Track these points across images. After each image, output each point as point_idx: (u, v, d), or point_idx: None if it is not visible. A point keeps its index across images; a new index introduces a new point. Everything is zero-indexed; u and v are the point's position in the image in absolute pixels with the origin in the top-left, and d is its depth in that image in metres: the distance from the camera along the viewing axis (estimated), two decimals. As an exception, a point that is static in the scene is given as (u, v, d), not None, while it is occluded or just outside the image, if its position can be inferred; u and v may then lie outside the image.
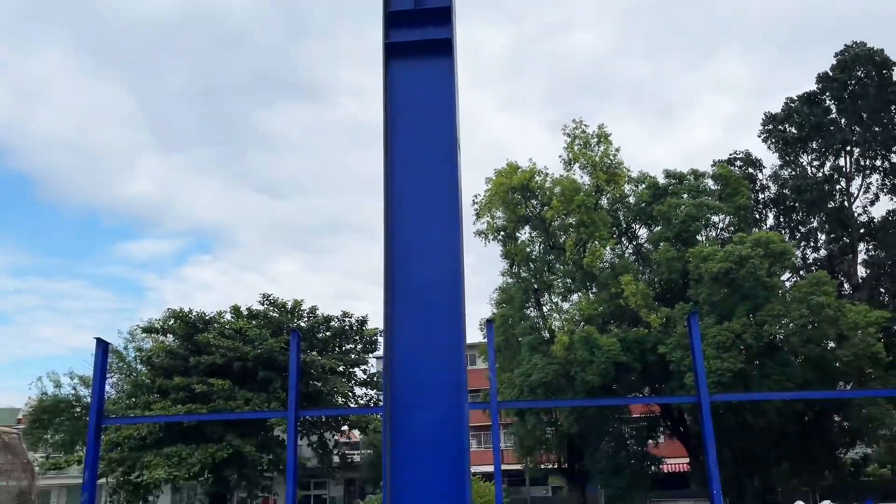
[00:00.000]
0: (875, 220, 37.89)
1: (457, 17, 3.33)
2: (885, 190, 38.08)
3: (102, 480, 34.59)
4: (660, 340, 30.69)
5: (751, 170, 39.76)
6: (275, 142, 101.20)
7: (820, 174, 38.22)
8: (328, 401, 37.68)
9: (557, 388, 32.43)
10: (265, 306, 40.45)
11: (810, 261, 38.51)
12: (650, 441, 37.96)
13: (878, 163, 37.94)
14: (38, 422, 48.73)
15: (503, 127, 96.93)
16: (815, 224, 38.66)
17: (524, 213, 37.08)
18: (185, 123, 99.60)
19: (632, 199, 37.42)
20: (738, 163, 39.61)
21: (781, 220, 39.58)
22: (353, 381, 41.11)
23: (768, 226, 38.57)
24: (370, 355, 42.22)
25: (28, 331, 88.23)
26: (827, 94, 38.07)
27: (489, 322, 20.23)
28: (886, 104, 36.48)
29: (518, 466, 44.69)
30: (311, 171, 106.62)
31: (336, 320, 40.93)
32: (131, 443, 34.53)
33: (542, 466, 42.05)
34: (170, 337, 39.28)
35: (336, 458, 42.90)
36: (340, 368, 39.51)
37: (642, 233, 38.48)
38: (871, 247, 38.14)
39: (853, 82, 37.25)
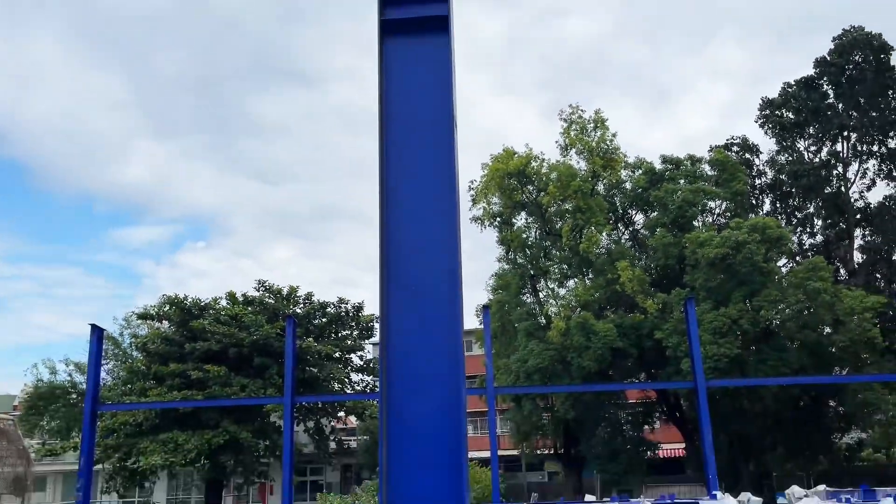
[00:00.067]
0: (871, 206, 37.89)
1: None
2: (881, 175, 38.07)
3: (99, 467, 34.61)
4: (656, 326, 30.72)
5: (748, 155, 39.69)
6: (269, 128, 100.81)
7: (817, 159, 38.16)
8: (324, 387, 37.70)
9: (554, 374, 32.48)
10: (261, 293, 40.40)
11: (806, 246, 38.54)
12: (646, 426, 38.08)
13: (875, 148, 37.89)
14: (33, 408, 48.75)
15: (498, 112, 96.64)
16: (811, 210, 38.66)
17: (520, 198, 36.98)
18: (179, 110, 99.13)
19: (628, 185, 37.33)
20: (734, 148, 39.53)
21: (778, 205, 39.56)
22: (349, 368, 41.13)
23: (765, 211, 38.55)
24: (366, 341, 42.22)
25: (23, 318, 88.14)
26: (825, 78, 37.95)
27: (485, 308, 20.23)
28: (884, 89, 36.38)
29: (514, 452, 44.85)
30: (305, 158, 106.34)
31: (332, 307, 40.90)
32: (127, 429, 34.54)
33: (539, 452, 42.21)
34: (165, 323, 39.22)
35: (333, 444, 42.99)
36: (337, 355, 39.51)
37: (639, 218, 38.44)
38: (867, 232, 38.16)
39: (851, 67, 37.11)
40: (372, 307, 41.56)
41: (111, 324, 48.92)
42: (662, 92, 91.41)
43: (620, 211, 37.92)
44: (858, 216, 38.00)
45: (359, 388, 41.12)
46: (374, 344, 44.11)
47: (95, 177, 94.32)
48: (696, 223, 34.34)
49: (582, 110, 36.40)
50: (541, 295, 38.24)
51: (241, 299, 39.66)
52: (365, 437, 49.67)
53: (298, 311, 39.73)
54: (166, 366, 35.27)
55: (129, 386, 37.96)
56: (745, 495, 14.08)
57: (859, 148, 37.93)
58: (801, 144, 39.14)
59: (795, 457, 33.44)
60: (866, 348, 28.96)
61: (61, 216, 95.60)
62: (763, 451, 32.34)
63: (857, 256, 37.71)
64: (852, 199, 37.87)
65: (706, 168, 36.60)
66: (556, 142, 37.59)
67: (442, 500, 1.89)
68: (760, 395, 29.75)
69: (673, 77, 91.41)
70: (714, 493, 13.55)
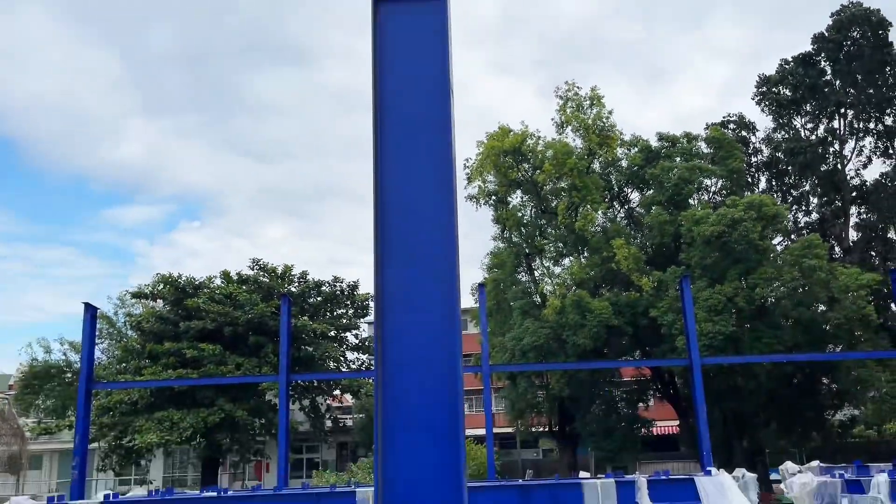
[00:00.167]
0: (867, 184, 37.84)
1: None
2: (877, 153, 37.99)
3: (94, 445, 34.62)
4: (651, 304, 30.72)
5: (744, 133, 39.53)
6: (263, 106, 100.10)
7: (813, 137, 38.03)
8: (320, 365, 37.73)
9: (549, 352, 32.52)
10: (255, 271, 40.27)
11: (802, 224, 38.52)
12: (640, 404, 38.26)
13: (872, 125, 37.76)
14: (28, 388, 48.70)
15: (493, 90, 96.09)
16: (807, 187, 38.60)
17: (516, 176, 36.79)
18: (173, 88, 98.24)
19: (624, 163, 37.15)
20: (731, 126, 39.35)
21: (774, 183, 39.49)
22: (344, 346, 41.16)
23: (760, 189, 38.48)
24: (362, 320, 42.21)
25: (17, 298, 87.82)
26: (822, 55, 37.71)
27: (481, 286, 20.18)
28: (881, 65, 36.18)
29: (509, 429, 45.07)
30: (299, 136, 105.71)
31: (327, 285, 40.82)
32: (123, 408, 34.55)
33: (534, 429, 42.42)
34: (159, 302, 39.11)
35: (328, 423, 43.12)
36: (332, 333, 39.50)
37: (634, 196, 38.31)
38: (862, 210, 38.15)
39: (849, 43, 36.87)
40: (367, 286, 41.54)
41: (105, 303, 48.79)
42: (658, 70, 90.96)
43: (616, 189, 37.78)
44: (854, 194, 37.96)
45: (354, 366, 41.18)
46: (369, 323, 44.09)
47: (88, 155, 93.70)
48: (691, 201, 34.23)
49: (578, 87, 36.16)
50: (536, 273, 38.21)
51: (235, 278, 39.53)
52: (361, 416, 49.85)
53: (293, 289, 39.64)
54: (161, 344, 35.21)
55: (124, 365, 37.91)
56: (739, 471, 14.09)
57: (856, 125, 37.80)
58: (797, 122, 39.00)
59: (788, 434, 33.64)
60: (861, 326, 29.03)
61: (54, 195, 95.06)
62: (756, 428, 32.52)
63: (853, 234, 37.74)
64: (848, 177, 37.82)
65: (702, 146, 36.43)
66: (552, 119, 37.37)
67: (439, 478, 1.84)
68: (754, 372, 29.85)
69: (668, 55, 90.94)
70: (709, 469, 13.57)
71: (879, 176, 37.43)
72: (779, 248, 33.25)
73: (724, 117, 39.78)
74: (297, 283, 40.61)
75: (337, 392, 43.37)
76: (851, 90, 36.96)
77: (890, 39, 36.21)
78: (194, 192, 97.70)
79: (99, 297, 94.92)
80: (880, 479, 11.71)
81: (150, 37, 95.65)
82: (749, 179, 38.56)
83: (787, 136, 38.58)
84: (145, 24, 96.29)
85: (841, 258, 35.06)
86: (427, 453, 1.90)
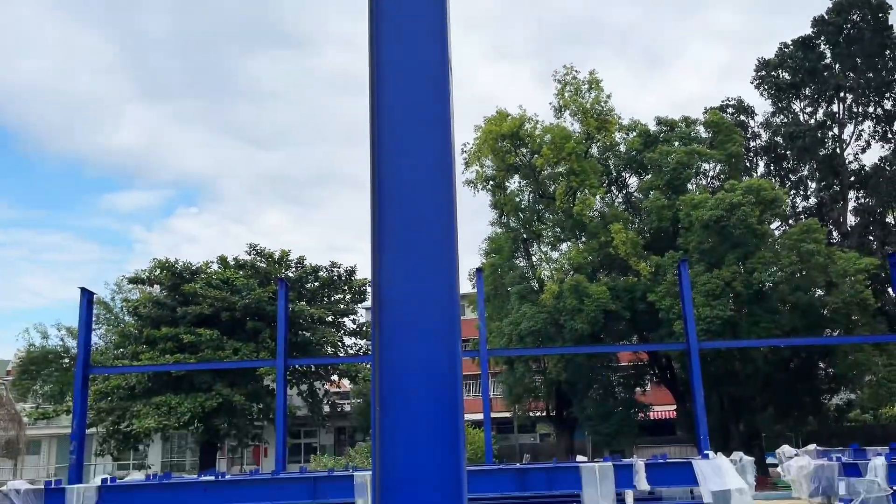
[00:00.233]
0: (866, 168, 37.77)
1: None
2: (876, 137, 37.90)
3: (93, 430, 34.71)
4: (649, 289, 30.71)
5: (742, 117, 39.39)
6: (261, 92, 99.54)
7: (812, 121, 37.91)
8: (317, 350, 37.74)
9: (546, 337, 32.53)
10: (252, 256, 40.18)
11: (800, 209, 38.49)
12: (637, 389, 38.37)
13: (871, 109, 37.64)
14: (26, 373, 48.76)
15: (491, 75, 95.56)
16: (805, 172, 38.51)
17: (514, 161, 36.64)
18: (169, 73, 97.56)
19: (622, 147, 37.02)
20: (730, 110, 39.20)
21: (772, 167, 39.40)
22: (342, 331, 41.16)
23: (759, 174, 38.40)
24: (359, 305, 42.19)
25: (14, 283, 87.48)
26: (822, 38, 37.52)
27: (479, 271, 20.08)
28: (881, 49, 36.01)
29: (507, 414, 45.19)
30: (298, 122, 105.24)
31: (324, 270, 40.75)
32: (120, 393, 34.59)
33: (531, 414, 42.53)
34: (156, 287, 39.06)
35: (326, 407, 43.19)
36: (329, 318, 39.48)
37: (633, 181, 38.23)
38: (861, 194, 38.09)
39: (849, 26, 36.68)
40: (364, 271, 41.50)
41: (103, 288, 48.77)
42: (657, 55, 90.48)
43: (614, 173, 37.67)
44: (853, 178, 37.89)
45: (352, 351, 41.21)
46: (366, 308, 44.09)
47: (83, 141, 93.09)
48: (690, 185, 34.15)
49: (576, 71, 35.93)
50: (534, 258, 38.17)
51: (232, 263, 39.46)
52: (358, 400, 49.96)
53: (290, 274, 39.59)
54: (158, 329, 35.19)
55: (122, 350, 37.94)
56: (737, 454, 14.10)
57: (855, 109, 37.69)
58: (796, 106, 38.86)
59: (785, 417, 33.76)
60: (858, 310, 29.06)
61: (52, 181, 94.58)
62: (753, 412, 32.62)
63: (851, 219, 37.71)
64: (847, 161, 37.73)
65: (701, 130, 36.30)
66: (550, 103, 37.18)
67: (437, 463, 1.79)
68: (752, 356, 29.91)
69: (668, 40, 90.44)
70: (706, 452, 13.58)
71: (878, 160, 37.37)
72: (777, 232, 33.23)
73: (722, 101, 39.67)
74: (294, 269, 40.55)
75: (335, 377, 43.44)
76: (851, 74, 36.81)
77: (890, 23, 36.05)
78: (192, 178, 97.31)
79: (97, 282, 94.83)
80: (877, 463, 11.72)
81: (146, 21, 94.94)
82: (747, 164, 38.48)
83: (785, 120, 38.46)
84: (140, 9, 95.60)
85: (839, 242, 35.06)
86: (426, 439, 1.85)
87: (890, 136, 37.49)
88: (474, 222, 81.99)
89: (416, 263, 2.19)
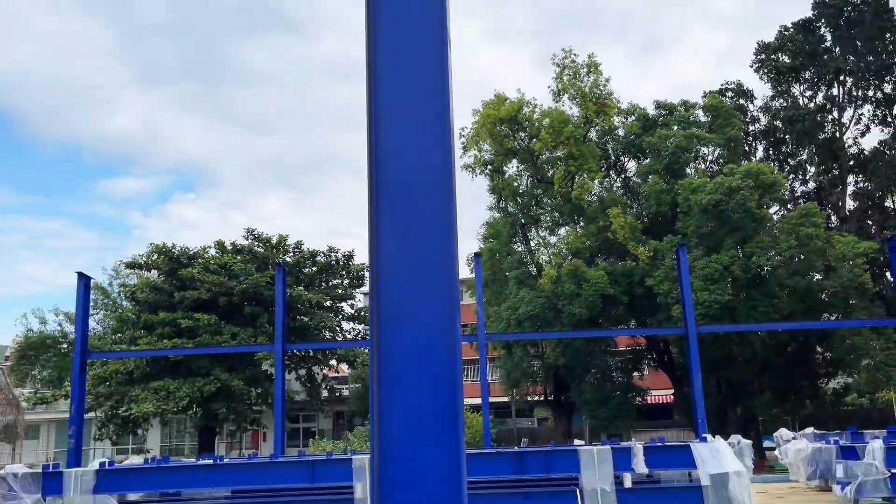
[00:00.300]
0: (865, 152, 37.66)
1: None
2: (876, 121, 37.76)
3: (91, 414, 34.77)
4: (647, 273, 30.70)
5: (742, 101, 39.21)
6: (258, 77, 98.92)
7: (812, 104, 37.75)
8: (315, 335, 37.77)
9: (544, 321, 32.56)
10: (250, 241, 40.10)
11: (799, 193, 38.43)
12: (635, 373, 38.45)
13: (871, 93, 37.48)
14: (24, 358, 48.83)
15: (490, 58, 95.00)
16: (805, 156, 38.41)
17: (512, 145, 36.51)
18: (166, 58, 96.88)
19: (621, 132, 36.87)
20: (729, 93, 39.00)
21: (771, 151, 39.28)
22: (340, 316, 41.16)
23: (758, 158, 38.29)
24: (357, 290, 42.17)
25: (13, 269, 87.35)
26: (822, 20, 37.29)
27: (476, 256, 20.06)
28: (881, 32, 35.80)
29: (505, 399, 45.33)
30: (295, 107, 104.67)
31: (322, 255, 40.69)
32: (119, 377, 34.62)
33: (529, 398, 42.65)
34: (154, 272, 39.00)
35: (324, 392, 43.29)
36: (327, 303, 39.48)
37: (631, 165, 38.10)
38: (860, 178, 38.02)
39: (850, 9, 36.45)
40: (363, 256, 41.43)
41: (100, 274, 48.73)
42: (656, 40, 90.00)
43: (613, 158, 37.55)
44: (852, 162, 37.79)
45: (350, 336, 41.24)
46: (364, 293, 44.08)
47: (82, 127, 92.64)
48: (688, 170, 34.05)
49: (575, 54, 35.73)
50: (532, 243, 38.12)
51: (229, 248, 39.38)
52: (357, 385, 50.07)
53: (288, 259, 39.53)
54: (156, 314, 35.18)
55: (119, 335, 37.93)
56: (735, 437, 14.15)
57: (855, 93, 37.52)
58: (796, 89, 38.68)
59: (782, 401, 33.87)
60: (856, 294, 29.09)
61: (49, 167, 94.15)
62: (751, 396, 32.72)
63: (850, 203, 37.66)
64: (846, 145, 37.62)
65: (700, 114, 36.15)
66: (549, 87, 37.00)
67: (436, 447, 1.75)
68: (749, 340, 29.94)
69: (667, 24, 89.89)
70: (704, 436, 13.60)
71: (878, 144, 37.23)
72: (776, 216, 33.17)
73: (722, 85, 39.44)
74: (291, 254, 40.49)
75: (333, 362, 43.50)
76: (851, 57, 36.62)
77: (890, 6, 35.80)
78: (189, 164, 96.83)
79: (95, 268, 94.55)
80: (875, 446, 11.74)
81: (143, 5, 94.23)
82: (746, 148, 38.35)
83: (785, 103, 38.29)
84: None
85: (838, 227, 35.01)
86: (425, 423, 1.82)
87: (890, 119, 37.36)
88: (472, 207, 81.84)
89: (414, 248, 2.15)
